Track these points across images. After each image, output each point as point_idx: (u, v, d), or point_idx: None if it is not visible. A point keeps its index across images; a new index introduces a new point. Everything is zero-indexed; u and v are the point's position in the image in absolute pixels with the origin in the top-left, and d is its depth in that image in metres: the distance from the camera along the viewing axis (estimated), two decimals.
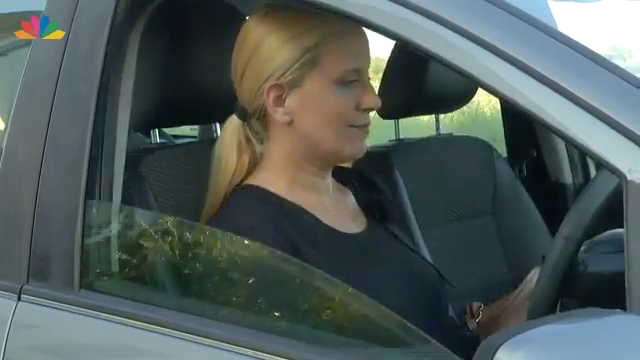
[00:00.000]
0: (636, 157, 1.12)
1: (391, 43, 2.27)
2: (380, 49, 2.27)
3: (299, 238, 1.48)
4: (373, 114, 1.71)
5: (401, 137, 2.45)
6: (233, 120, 1.57)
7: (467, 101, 2.53)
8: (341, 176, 1.67)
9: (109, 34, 1.48)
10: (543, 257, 1.40)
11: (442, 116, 2.52)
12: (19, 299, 1.48)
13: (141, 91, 1.58)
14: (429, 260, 1.84)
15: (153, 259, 1.58)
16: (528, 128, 2.61)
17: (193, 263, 1.52)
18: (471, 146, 2.46)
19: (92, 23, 1.51)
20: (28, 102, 1.57)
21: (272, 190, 1.55)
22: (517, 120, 2.62)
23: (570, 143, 1.20)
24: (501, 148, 2.66)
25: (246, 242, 1.40)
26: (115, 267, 1.50)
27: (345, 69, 1.51)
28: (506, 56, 1.19)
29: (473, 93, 2.48)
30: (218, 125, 1.85)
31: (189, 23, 1.70)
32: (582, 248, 1.34)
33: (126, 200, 1.54)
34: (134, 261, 1.57)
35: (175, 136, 3.23)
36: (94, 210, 1.47)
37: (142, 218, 1.60)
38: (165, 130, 2.69)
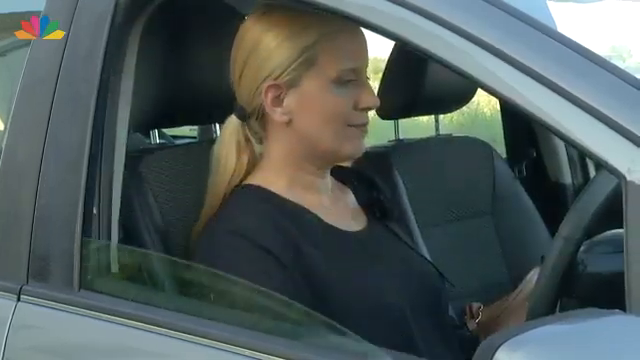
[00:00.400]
0: (635, 157, 1.12)
1: (391, 44, 2.27)
2: (379, 50, 2.27)
3: (301, 238, 1.49)
4: (372, 114, 1.71)
5: (400, 137, 2.45)
6: (232, 120, 1.57)
7: (467, 102, 2.53)
8: (341, 175, 1.68)
9: (109, 34, 1.48)
10: (542, 257, 1.41)
11: (442, 116, 2.52)
12: (19, 299, 1.48)
13: (141, 91, 1.58)
14: (429, 259, 1.84)
15: (153, 259, 1.59)
16: (527, 128, 2.61)
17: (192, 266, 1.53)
18: (470, 146, 2.46)
19: (92, 23, 1.51)
20: (28, 102, 1.57)
21: (272, 190, 1.55)
22: (516, 120, 2.62)
23: (569, 143, 1.20)
24: (501, 148, 2.66)
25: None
26: (115, 267, 1.50)
27: (342, 69, 1.51)
28: (505, 56, 1.19)
29: (473, 94, 2.48)
30: (217, 125, 1.85)
31: (188, 23, 1.70)
32: (581, 248, 1.34)
33: (126, 200, 1.54)
34: (134, 261, 1.58)
35: (174, 137, 3.23)
36: (94, 210, 1.47)
37: (141, 218, 1.61)
38: (164, 131, 2.70)
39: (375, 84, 2.33)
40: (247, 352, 1.26)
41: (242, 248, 1.45)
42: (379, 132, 2.70)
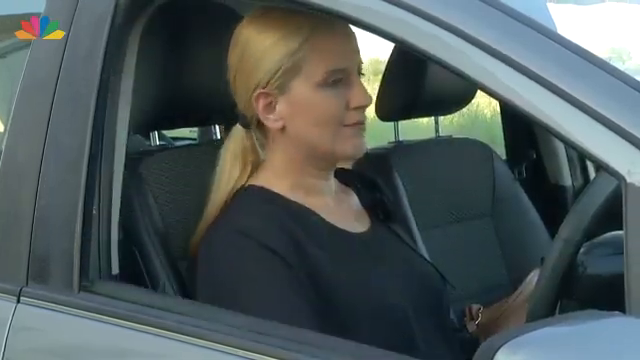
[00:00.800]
0: (635, 159, 1.12)
1: (390, 45, 2.28)
2: (379, 51, 2.27)
3: (306, 239, 1.49)
4: (372, 116, 1.71)
5: (400, 139, 2.45)
6: (238, 128, 1.58)
7: (466, 103, 2.53)
8: (344, 177, 1.68)
9: (109, 35, 1.48)
10: (542, 259, 1.40)
11: (441, 118, 2.52)
12: (18, 301, 1.48)
13: (140, 92, 1.58)
14: (429, 261, 1.85)
15: (152, 261, 1.59)
16: (527, 130, 2.61)
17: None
18: (470, 148, 2.46)
19: (92, 24, 1.51)
20: (28, 102, 1.57)
21: (276, 191, 1.55)
22: (516, 122, 2.62)
23: (569, 145, 1.20)
24: (500, 150, 2.66)
25: None
26: (115, 269, 1.50)
27: (329, 70, 1.51)
28: (503, 57, 1.19)
29: (472, 95, 2.48)
30: (217, 127, 1.85)
31: (188, 24, 1.70)
32: (581, 250, 1.34)
33: (125, 202, 1.54)
34: (133, 263, 1.58)
35: (174, 138, 3.23)
36: (93, 212, 1.47)
37: (141, 220, 1.61)
38: (164, 132, 2.70)
39: (375, 86, 2.33)
40: (247, 354, 1.26)
41: (247, 247, 1.45)
42: (379, 134, 2.70)
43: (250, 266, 1.45)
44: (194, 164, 1.70)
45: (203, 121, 1.88)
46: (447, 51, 1.23)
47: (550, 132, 1.18)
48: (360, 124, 1.55)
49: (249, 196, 1.55)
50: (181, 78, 1.69)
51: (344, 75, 1.52)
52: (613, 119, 1.13)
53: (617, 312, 1.09)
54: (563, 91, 1.16)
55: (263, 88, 1.51)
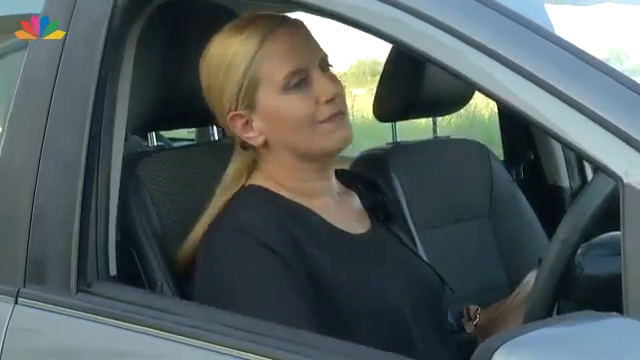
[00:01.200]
0: (632, 160, 1.12)
1: (388, 46, 2.28)
2: (377, 52, 2.28)
3: (306, 238, 1.49)
4: (370, 117, 1.71)
5: (398, 140, 2.45)
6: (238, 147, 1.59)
7: (464, 104, 2.53)
8: (345, 179, 1.68)
9: (106, 36, 1.48)
10: (540, 260, 1.40)
11: (439, 119, 2.52)
12: (16, 302, 1.48)
13: (138, 94, 1.58)
14: (427, 262, 1.85)
15: (150, 262, 1.59)
16: (525, 131, 2.61)
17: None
18: (468, 149, 2.46)
19: (89, 25, 1.51)
20: (25, 104, 1.57)
21: (276, 191, 1.55)
22: (514, 123, 2.62)
23: (566, 146, 1.19)
24: (498, 151, 2.66)
25: None
26: (112, 270, 1.50)
27: (287, 74, 1.50)
28: (500, 57, 1.19)
29: (470, 96, 2.48)
30: (215, 128, 1.85)
31: (186, 25, 1.70)
32: (579, 251, 1.34)
33: (123, 203, 1.54)
34: (131, 264, 1.57)
35: (172, 139, 3.23)
36: (91, 213, 1.47)
37: (139, 221, 1.60)
38: (162, 133, 2.70)
39: (373, 86, 2.33)
40: (243, 354, 1.26)
41: (246, 245, 1.45)
42: (377, 134, 2.70)
43: (249, 265, 1.45)
44: (192, 165, 1.70)
45: (201, 122, 1.88)
46: (443, 51, 1.23)
47: (547, 133, 1.18)
48: (337, 115, 1.53)
49: (249, 195, 1.55)
50: (179, 79, 1.69)
51: (305, 75, 1.52)
52: (610, 120, 1.13)
53: (614, 313, 1.09)
54: (560, 92, 1.16)
55: (235, 110, 1.53)
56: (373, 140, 2.40)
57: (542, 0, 2.56)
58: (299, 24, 1.56)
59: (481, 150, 2.45)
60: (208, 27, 1.58)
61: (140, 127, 1.75)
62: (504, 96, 1.20)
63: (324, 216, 1.56)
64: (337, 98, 1.53)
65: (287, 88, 1.51)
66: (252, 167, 1.58)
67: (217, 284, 1.46)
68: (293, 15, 1.62)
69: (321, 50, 1.56)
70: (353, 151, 2.50)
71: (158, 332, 1.35)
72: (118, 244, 1.52)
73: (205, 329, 1.32)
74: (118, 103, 1.53)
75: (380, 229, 1.66)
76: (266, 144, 1.55)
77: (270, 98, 1.52)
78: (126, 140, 1.56)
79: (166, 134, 3.07)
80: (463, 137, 2.62)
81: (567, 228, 1.34)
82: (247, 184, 1.57)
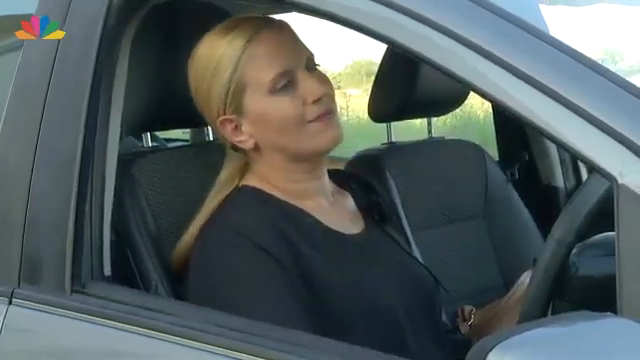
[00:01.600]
0: (627, 161, 1.12)
1: (384, 47, 2.28)
2: (373, 52, 2.28)
3: (300, 239, 1.49)
4: (365, 117, 1.71)
5: (393, 140, 2.45)
6: (230, 150, 1.59)
7: (459, 104, 2.53)
8: (340, 179, 1.68)
9: (101, 36, 1.48)
10: (535, 260, 1.41)
11: (434, 119, 2.52)
12: (10, 303, 1.48)
13: (133, 94, 1.58)
14: (422, 262, 1.85)
15: (145, 262, 1.58)
16: (520, 132, 2.62)
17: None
18: (463, 149, 2.47)
19: (84, 26, 1.51)
20: (20, 105, 1.56)
21: (270, 192, 1.55)
22: (509, 124, 2.62)
23: (561, 146, 1.20)
24: (493, 151, 2.66)
25: None
26: (107, 271, 1.50)
27: (273, 76, 1.50)
28: (495, 58, 1.19)
29: (465, 96, 2.48)
30: (210, 129, 1.85)
31: (181, 26, 1.70)
32: (573, 251, 1.34)
33: (118, 203, 1.54)
34: (125, 265, 1.57)
35: (167, 140, 3.22)
36: (86, 214, 1.47)
37: (133, 221, 1.60)
38: (157, 134, 2.70)
39: (368, 87, 2.33)
40: (238, 354, 1.26)
41: (241, 247, 1.45)
42: (372, 135, 2.70)
43: (244, 266, 1.45)
44: (186, 165, 1.70)
45: (196, 122, 1.88)
46: (438, 52, 1.23)
47: (542, 133, 1.18)
48: (326, 115, 1.53)
49: (243, 196, 1.55)
50: (174, 79, 1.69)
51: (291, 76, 1.52)
52: (605, 121, 1.13)
53: (609, 313, 1.09)
54: (555, 92, 1.16)
55: (224, 114, 1.53)
56: (368, 140, 2.40)
57: (537, 1, 2.56)
58: (284, 25, 1.56)
59: (476, 150, 2.45)
60: (203, 28, 1.58)
61: (135, 127, 1.75)
62: (499, 97, 1.20)
63: (318, 217, 1.56)
64: (325, 98, 1.53)
65: (274, 90, 1.51)
66: (245, 169, 1.58)
67: (211, 285, 1.46)
68: (288, 16, 1.62)
69: (307, 50, 1.56)
70: (348, 152, 2.50)
71: (153, 332, 1.35)
72: (113, 244, 1.52)
73: (200, 329, 1.32)
74: (113, 103, 1.52)
75: (374, 230, 1.66)
76: (257, 147, 1.55)
77: (257, 101, 1.52)
78: (121, 140, 1.56)
79: (161, 134, 3.07)
80: (458, 137, 2.62)
81: (562, 228, 1.34)
82: (240, 185, 1.57)
